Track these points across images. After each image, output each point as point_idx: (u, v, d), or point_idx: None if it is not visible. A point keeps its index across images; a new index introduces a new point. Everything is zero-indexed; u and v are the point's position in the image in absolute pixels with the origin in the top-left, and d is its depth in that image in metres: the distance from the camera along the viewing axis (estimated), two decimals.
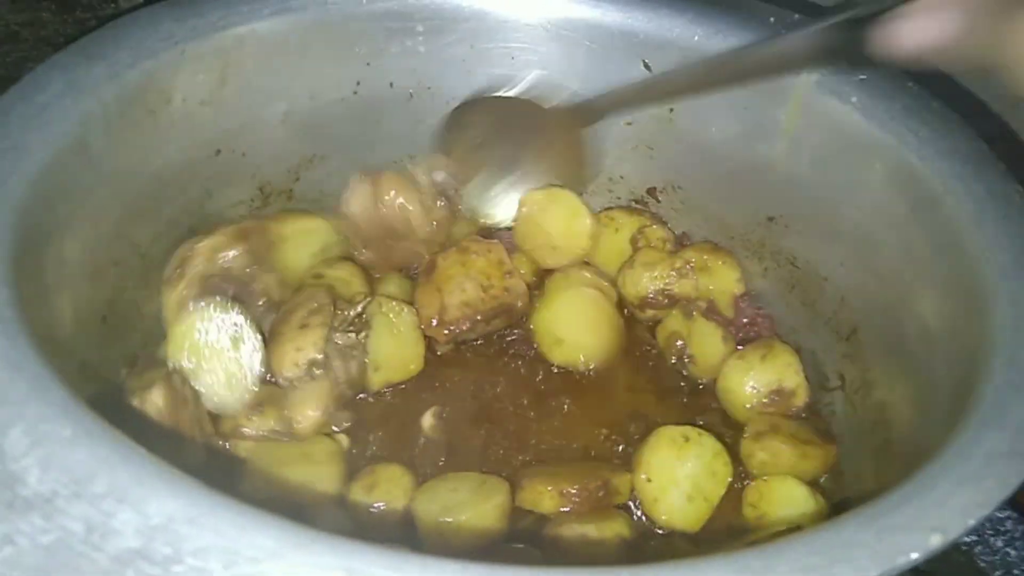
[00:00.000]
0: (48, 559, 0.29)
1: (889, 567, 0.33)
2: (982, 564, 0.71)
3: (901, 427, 0.61)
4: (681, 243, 0.81)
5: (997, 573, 0.70)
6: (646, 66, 0.75)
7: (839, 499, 0.64)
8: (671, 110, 0.77)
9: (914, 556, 0.34)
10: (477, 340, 0.74)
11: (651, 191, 0.83)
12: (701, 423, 0.68)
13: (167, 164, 0.67)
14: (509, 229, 0.80)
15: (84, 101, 0.57)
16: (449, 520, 0.58)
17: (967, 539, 0.70)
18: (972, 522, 0.36)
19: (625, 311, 0.77)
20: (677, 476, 0.61)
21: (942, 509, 0.36)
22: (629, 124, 0.80)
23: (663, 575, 0.32)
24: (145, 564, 0.29)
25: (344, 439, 0.66)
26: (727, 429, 0.69)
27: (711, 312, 0.74)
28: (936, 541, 0.34)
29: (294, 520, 0.32)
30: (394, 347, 0.70)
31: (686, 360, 0.73)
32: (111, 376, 0.61)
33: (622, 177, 0.84)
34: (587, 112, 0.75)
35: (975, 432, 0.42)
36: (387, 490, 0.61)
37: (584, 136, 0.78)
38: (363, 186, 0.73)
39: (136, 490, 0.32)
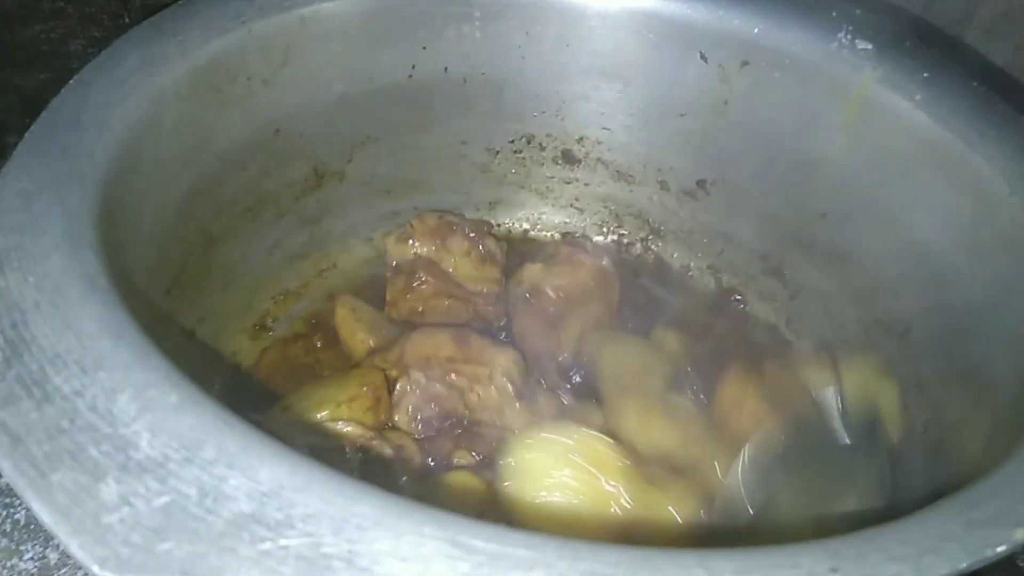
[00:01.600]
0: (165, 520, 0.30)
1: (977, 559, 0.33)
2: (1021, 564, 0.71)
3: (956, 427, 0.61)
4: None
5: None
6: (703, 57, 0.75)
7: (889, 499, 0.64)
8: (726, 102, 0.77)
9: (1001, 549, 0.34)
10: None
11: (701, 183, 0.83)
12: None
13: (230, 142, 0.68)
14: None
15: (158, 77, 0.58)
16: None
17: None
18: None
19: None
20: None
21: None
22: (682, 116, 0.80)
23: (752, 561, 0.33)
24: (259, 528, 0.30)
25: None
26: None
27: None
28: (1021, 535, 0.35)
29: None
30: None
31: None
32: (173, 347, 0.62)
33: (672, 168, 0.84)
34: None
35: None
36: None
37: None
38: None
39: (244, 457, 0.33)
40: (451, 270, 0.76)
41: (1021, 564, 0.72)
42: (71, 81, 0.54)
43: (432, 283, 0.74)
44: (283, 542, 0.30)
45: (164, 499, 0.31)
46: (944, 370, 0.63)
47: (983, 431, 0.56)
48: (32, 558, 0.61)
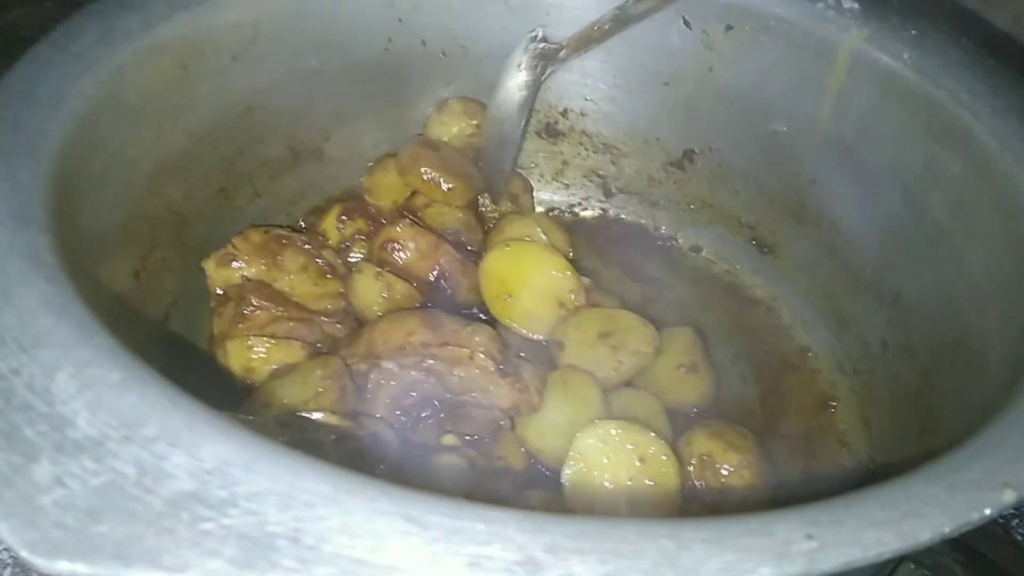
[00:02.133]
0: (100, 501, 0.29)
1: (962, 522, 0.32)
2: (1019, 537, 0.70)
3: (947, 392, 0.59)
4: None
5: None
6: (686, 23, 0.73)
7: (882, 464, 0.63)
8: (710, 68, 0.75)
9: (987, 511, 0.32)
10: None
11: (687, 153, 0.81)
12: None
13: (199, 120, 0.66)
14: None
15: (118, 52, 0.56)
16: None
17: (1005, 512, 0.69)
18: None
19: None
20: None
21: (1013, 465, 0.35)
22: (666, 84, 0.78)
23: (723, 531, 0.31)
24: (200, 507, 0.29)
25: None
26: None
27: None
28: (1009, 497, 0.33)
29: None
30: None
31: None
32: (142, 332, 0.61)
33: (658, 139, 0.82)
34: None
35: None
36: None
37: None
38: None
39: (188, 434, 0.31)
40: (288, 289, 0.66)
41: (1018, 537, 0.70)
42: (25, 55, 0.52)
43: (266, 308, 0.64)
44: (225, 521, 0.29)
45: (100, 479, 0.29)
46: (935, 335, 0.61)
47: (975, 396, 0.54)
48: (7, 548, 0.60)
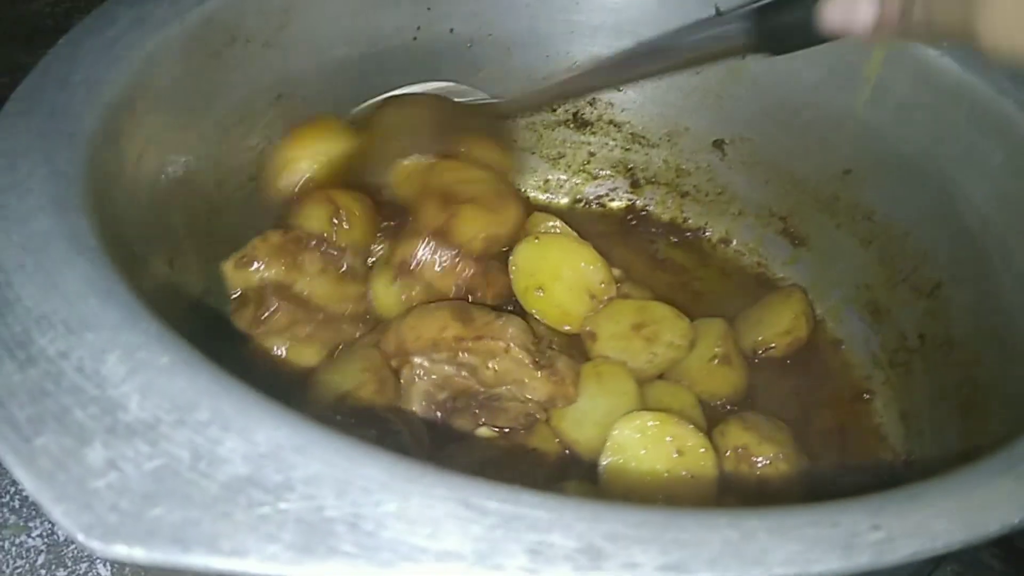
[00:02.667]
0: (156, 485, 0.28)
1: None
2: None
3: (988, 385, 0.58)
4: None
5: None
6: (718, 11, 0.72)
7: (921, 458, 0.62)
8: (743, 57, 0.74)
9: None
10: None
11: (718, 143, 0.80)
12: None
13: (230, 107, 0.65)
14: None
15: (151, 37, 0.56)
16: None
17: None
18: None
19: None
20: None
21: None
22: (698, 73, 0.77)
23: (787, 520, 0.30)
24: (257, 491, 0.28)
25: None
26: None
27: None
28: None
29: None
30: None
31: None
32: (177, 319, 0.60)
33: (687, 128, 0.81)
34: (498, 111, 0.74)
35: None
36: None
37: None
38: None
39: (241, 419, 0.31)
40: (308, 292, 0.64)
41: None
42: (60, 41, 0.52)
43: (286, 310, 0.62)
44: (282, 506, 0.28)
45: (155, 463, 0.29)
46: (976, 327, 0.60)
47: (1018, 390, 0.53)
48: (40, 535, 0.60)
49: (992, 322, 0.58)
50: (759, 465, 0.59)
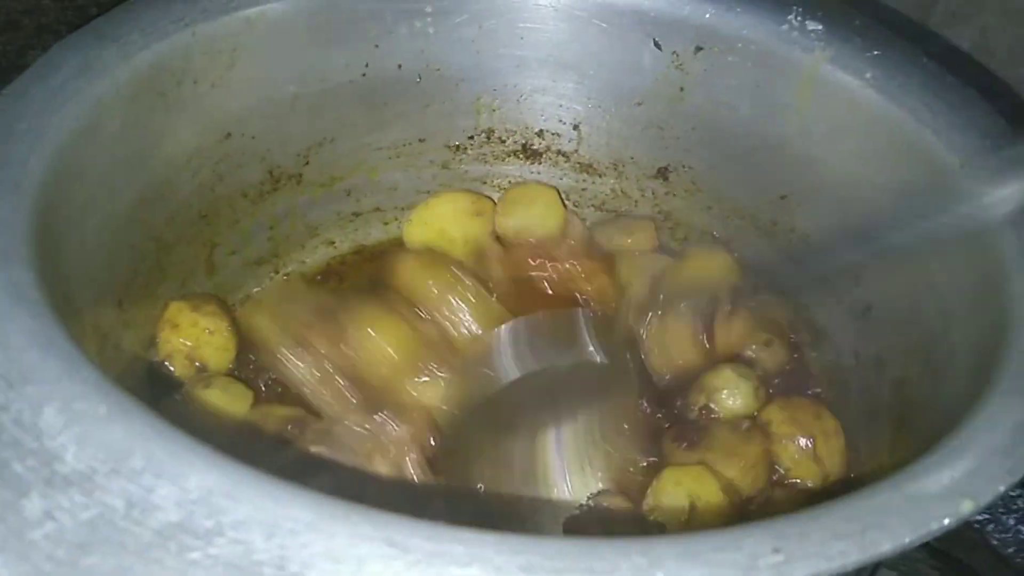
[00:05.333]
0: (91, 534, 0.29)
1: (922, 532, 0.33)
2: (995, 542, 0.71)
3: (917, 402, 0.61)
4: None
5: (1010, 550, 0.70)
6: (657, 45, 0.75)
7: (855, 476, 0.64)
8: (682, 89, 0.76)
9: (947, 522, 0.34)
10: None
11: (661, 171, 0.83)
12: None
13: (179, 147, 0.67)
14: None
15: (98, 83, 0.57)
16: None
17: (979, 517, 0.71)
18: (1002, 488, 0.36)
19: None
20: None
21: (972, 476, 0.36)
22: (639, 104, 0.79)
23: (694, 546, 0.32)
24: (188, 537, 0.30)
25: None
26: None
27: None
28: (967, 507, 0.35)
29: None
30: None
31: None
32: (127, 362, 0.61)
33: (632, 158, 0.83)
34: None
35: (1000, 402, 0.42)
36: None
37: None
38: None
39: (173, 465, 0.32)
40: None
41: (995, 543, 0.72)
42: (4, 90, 0.53)
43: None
44: (212, 550, 0.29)
45: (90, 512, 0.30)
46: (904, 347, 0.63)
47: (943, 408, 0.56)
48: None
49: (918, 343, 0.61)
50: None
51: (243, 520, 0.30)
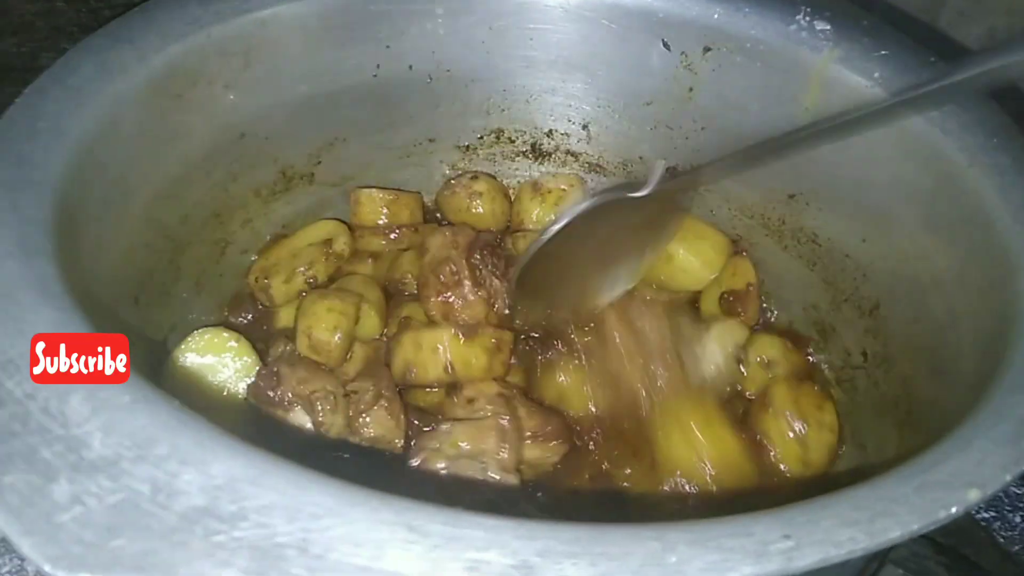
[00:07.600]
0: (117, 518, 0.30)
1: (929, 520, 0.34)
2: (1001, 539, 0.72)
3: (924, 398, 0.61)
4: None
5: (1016, 547, 0.71)
6: (665, 45, 0.76)
7: (862, 470, 0.65)
8: (690, 89, 0.77)
9: (953, 510, 0.34)
10: None
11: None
12: None
13: (193, 147, 0.68)
14: None
15: (115, 84, 0.58)
16: None
17: (986, 514, 0.72)
18: (1008, 477, 0.36)
19: None
20: None
21: (979, 466, 0.37)
22: (648, 104, 0.80)
23: (706, 532, 0.33)
24: (212, 521, 0.30)
25: None
26: None
27: None
28: (974, 496, 0.35)
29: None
30: None
31: None
32: (143, 358, 0.62)
33: (641, 158, 0.84)
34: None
35: (1005, 396, 0.43)
36: None
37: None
38: None
39: (197, 452, 0.33)
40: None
41: (1000, 540, 0.72)
42: (26, 90, 0.54)
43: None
44: (236, 534, 0.30)
45: (117, 497, 0.31)
46: (911, 344, 0.64)
47: (949, 403, 0.56)
48: (10, 571, 0.61)
49: (924, 339, 0.62)
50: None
51: (266, 505, 0.31)
